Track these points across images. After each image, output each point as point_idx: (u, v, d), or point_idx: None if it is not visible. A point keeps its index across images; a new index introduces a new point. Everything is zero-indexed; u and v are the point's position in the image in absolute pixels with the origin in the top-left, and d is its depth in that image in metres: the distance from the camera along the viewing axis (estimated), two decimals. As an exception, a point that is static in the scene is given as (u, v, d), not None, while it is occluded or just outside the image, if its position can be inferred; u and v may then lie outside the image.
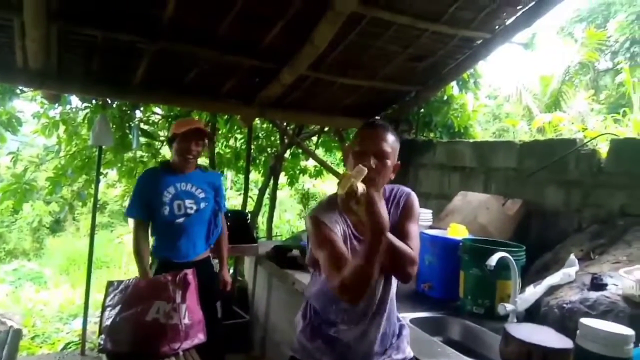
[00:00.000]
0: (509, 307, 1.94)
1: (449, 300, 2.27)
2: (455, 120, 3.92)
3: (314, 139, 5.29)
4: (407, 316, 2.01)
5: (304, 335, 1.61)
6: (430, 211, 2.83)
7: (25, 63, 2.70)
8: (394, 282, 1.59)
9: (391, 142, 1.49)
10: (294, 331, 1.66)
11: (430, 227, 2.71)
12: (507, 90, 11.70)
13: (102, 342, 1.92)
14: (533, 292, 1.99)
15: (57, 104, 4.24)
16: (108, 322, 1.94)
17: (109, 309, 1.97)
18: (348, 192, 1.29)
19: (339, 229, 1.48)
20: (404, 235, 1.50)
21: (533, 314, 1.95)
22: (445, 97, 3.99)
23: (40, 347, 4.68)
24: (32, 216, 10.07)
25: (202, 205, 2.52)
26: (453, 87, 3.97)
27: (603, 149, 2.35)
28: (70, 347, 4.26)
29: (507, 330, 1.64)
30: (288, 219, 9.12)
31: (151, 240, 2.57)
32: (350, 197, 1.30)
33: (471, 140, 3.45)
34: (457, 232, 2.39)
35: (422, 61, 3.16)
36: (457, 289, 2.24)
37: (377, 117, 1.41)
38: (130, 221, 2.58)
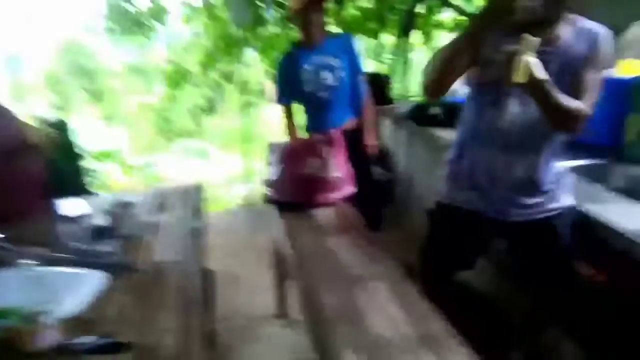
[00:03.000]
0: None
1: (613, 147, 2.05)
2: None
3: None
4: (564, 165, 1.89)
5: (450, 178, 1.63)
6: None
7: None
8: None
9: None
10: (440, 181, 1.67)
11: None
12: None
13: (269, 193, 2.22)
14: None
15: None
16: (273, 177, 2.21)
17: (271, 165, 2.24)
18: (529, 76, 1.20)
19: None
20: (580, 86, 1.36)
21: None
22: None
23: (215, 207, 5.58)
24: (188, 101, 11.29)
25: (341, 74, 2.52)
26: None
27: None
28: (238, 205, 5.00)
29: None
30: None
31: (303, 118, 2.72)
32: (530, 83, 1.22)
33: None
34: (630, 69, 2.06)
35: None
36: (621, 135, 2.00)
37: None
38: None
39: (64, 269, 1.33)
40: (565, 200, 1.54)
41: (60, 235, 1.62)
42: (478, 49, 1.39)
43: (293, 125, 2.71)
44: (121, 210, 1.65)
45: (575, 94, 1.35)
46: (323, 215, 2.12)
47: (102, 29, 4.69)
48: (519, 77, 1.21)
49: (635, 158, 1.93)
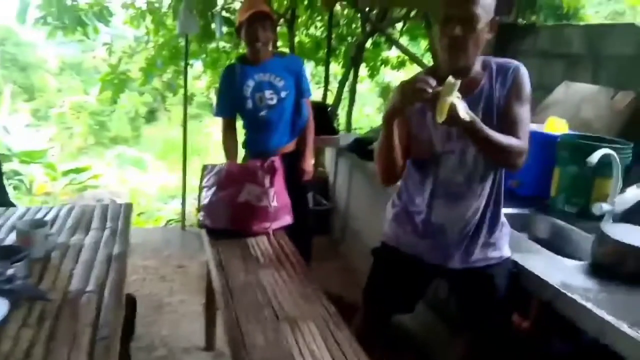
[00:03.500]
0: (605, 206, 1.81)
1: (538, 198, 2.17)
2: (564, 0, 3.42)
3: (398, 26, 4.95)
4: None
5: (395, 221, 1.62)
6: (527, 104, 2.62)
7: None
8: (500, 170, 1.51)
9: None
10: (384, 220, 1.68)
11: (525, 122, 2.52)
12: (630, -35, 9.89)
13: (201, 218, 2.13)
14: (636, 193, 1.85)
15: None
16: (205, 201, 2.12)
17: (205, 189, 2.15)
18: (450, 117, 1.21)
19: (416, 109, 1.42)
20: (511, 119, 1.38)
21: (632, 217, 1.81)
22: (553, -25, 3.47)
23: (146, 223, 5.33)
24: (128, 106, 10.84)
25: (283, 94, 2.48)
26: (566, -40, 3.42)
27: None
28: (171, 223, 4.81)
29: (602, 229, 1.56)
30: (367, 113, 9.00)
31: (242, 134, 2.66)
32: (453, 122, 1.23)
33: (582, 24, 3.03)
34: (556, 127, 2.21)
35: None
36: (548, 186, 2.12)
37: None
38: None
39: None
40: (505, 250, 1.59)
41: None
42: (405, 124, 1.45)
43: (232, 140, 2.62)
44: (34, 228, 1.51)
45: (507, 130, 1.37)
46: (257, 244, 2.06)
47: (36, 21, 4.37)
48: (442, 117, 1.24)
49: (558, 209, 2.06)
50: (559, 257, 1.66)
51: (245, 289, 1.69)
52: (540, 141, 2.19)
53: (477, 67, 1.43)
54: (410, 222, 1.58)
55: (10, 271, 1.31)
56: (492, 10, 1.32)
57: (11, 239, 1.57)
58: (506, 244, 1.59)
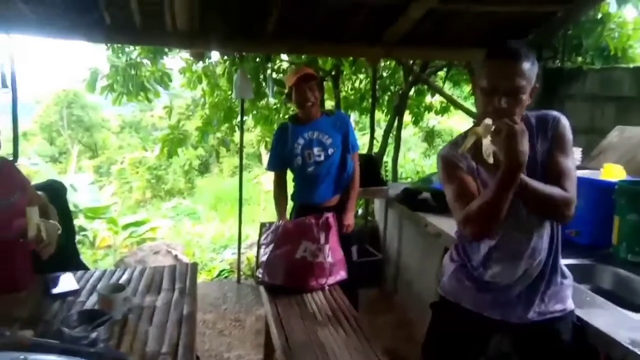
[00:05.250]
0: (673, 256, 1.75)
1: (598, 247, 2.10)
2: (610, 42, 3.40)
3: (441, 73, 5.05)
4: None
5: (455, 277, 1.62)
6: (580, 149, 2.59)
7: (174, 27, 2.98)
8: (554, 223, 1.49)
9: (526, 70, 1.28)
10: (442, 274, 1.68)
11: (579, 168, 2.49)
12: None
13: (259, 276, 2.21)
14: None
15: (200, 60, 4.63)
16: (264, 258, 2.21)
17: (263, 246, 2.24)
18: (473, 151, 1.23)
19: (465, 164, 1.43)
20: (556, 172, 1.37)
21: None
22: (599, 16, 3.46)
23: (200, 274, 5.48)
24: (184, 160, 11.42)
25: (330, 151, 2.61)
26: (609, 3, 3.42)
27: None
28: (223, 274, 4.93)
29: (671, 282, 1.51)
30: (412, 158, 9.03)
31: (292, 186, 2.78)
32: (476, 156, 1.24)
33: (631, 65, 3.00)
34: (613, 173, 2.17)
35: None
36: (608, 235, 2.06)
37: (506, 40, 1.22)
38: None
39: (51, 357, 1.30)
40: (569, 303, 1.55)
41: (48, 316, 1.59)
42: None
43: (283, 193, 2.78)
44: (114, 292, 1.63)
45: (553, 183, 1.35)
46: (314, 300, 2.11)
47: (103, 89, 4.81)
48: (465, 149, 1.26)
49: (621, 259, 1.99)
50: (626, 311, 1.60)
51: (305, 347, 1.73)
52: (598, 188, 2.16)
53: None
54: (470, 277, 1.57)
55: (93, 334, 1.42)
56: (534, 79, 1.33)
57: (91, 302, 1.70)
58: (569, 297, 1.55)
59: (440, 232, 2.51)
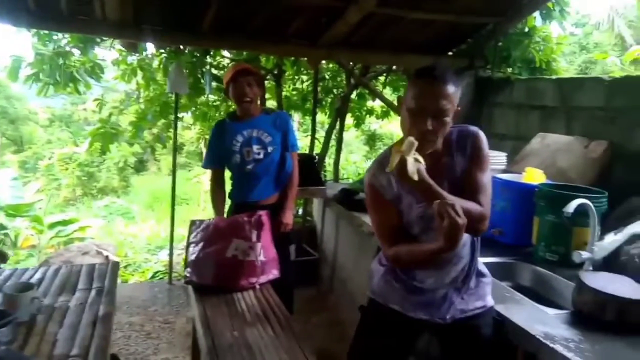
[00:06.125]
0: (585, 254, 1.87)
1: (520, 246, 2.22)
2: (536, 55, 3.61)
3: (381, 78, 5.15)
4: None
5: (384, 279, 1.64)
6: (505, 154, 2.72)
7: (103, 15, 2.82)
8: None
9: (451, 93, 1.34)
10: (371, 277, 1.69)
11: (504, 171, 2.61)
12: (598, 17, 10.49)
13: (188, 275, 2.13)
14: (613, 240, 1.90)
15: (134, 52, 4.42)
16: (192, 257, 2.13)
17: (192, 245, 2.16)
18: (398, 169, 1.25)
19: (390, 193, 1.46)
20: (473, 187, 1.42)
21: (611, 264, 1.86)
22: (526, 29, 3.67)
23: (132, 275, 5.24)
24: (118, 157, 10.91)
25: (270, 149, 2.57)
26: (536, 18, 3.64)
27: None
28: (158, 276, 4.74)
29: (581, 278, 1.60)
30: (354, 160, 9.16)
31: (229, 184, 2.72)
32: (401, 174, 1.26)
33: (554, 77, 3.19)
34: (534, 177, 2.29)
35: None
36: (529, 235, 2.18)
37: (434, 63, 1.26)
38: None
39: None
40: (488, 299, 1.61)
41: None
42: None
43: (220, 191, 2.70)
44: (20, 291, 1.50)
45: (469, 197, 1.39)
46: (244, 299, 2.06)
47: (27, 78, 4.47)
48: (391, 168, 1.27)
49: (539, 258, 2.10)
50: (542, 307, 1.68)
51: (232, 348, 1.68)
52: (520, 191, 2.28)
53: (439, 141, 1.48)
54: (398, 279, 1.60)
55: (-5, 337, 1.30)
56: (457, 102, 1.38)
57: (-4, 302, 1.56)
58: (489, 294, 1.62)
59: (374, 232, 2.53)
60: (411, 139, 1.27)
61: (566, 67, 4.70)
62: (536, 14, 3.56)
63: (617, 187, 2.24)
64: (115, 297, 1.66)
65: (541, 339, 1.42)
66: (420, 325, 1.61)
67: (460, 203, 1.32)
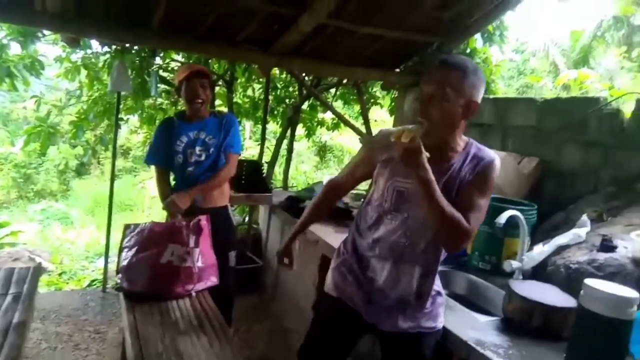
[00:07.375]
0: (515, 264, 1.95)
1: (457, 255, 2.26)
2: (477, 75, 3.79)
3: (332, 91, 5.21)
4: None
5: (337, 270, 1.63)
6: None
7: (43, 6, 2.68)
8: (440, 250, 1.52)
9: (455, 80, 1.34)
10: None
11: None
12: (535, 45, 11.21)
13: (119, 281, 2.03)
14: (541, 251, 2.00)
15: (78, 48, 4.23)
16: (125, 263, 2.03)
17: (126, 250, 2.06)
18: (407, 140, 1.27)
19: (386, 152, 1.48)
20: (466, 204, 1.38)
21: (539, 273, 1.96)
22: (468, 50, 3.84)
23: (67, 283, 4.96)
24: (58, 159, 10.35)
25: (212, 150, 2.51)
26: (477, 40, 3.82)
27: (628, 108, 2.26)
28: (94, 284, 4.51)
29: (511, 286, 1.66)
30: (304, 170, 9.18)
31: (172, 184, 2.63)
32: (410, 143, 1.28)
33: (491, 97, 3.35)
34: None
35: (448, 9, 3.02)
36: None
37: (450, 54, 1.30)
38: (153, 168, 2.62)
39: None
40: (439, 321, 1.58)
41: None
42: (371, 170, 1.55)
43: (167, 186, 2.57)
44: None
45: (461, 212, 1.36)
46: (178, 307, 1.98)
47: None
48: (395, 136, 1.29)
49: (473, 266, 2.17)
50: (474, 314, 1.73)
51: (160, 358, 1.61)
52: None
53: (458, 144, 1.47)
54: (352, 271, 1.58)
55: None
56: (468, 93, 1.37)
57: None
58: (441, 315, 1.59)
59: (318, 239, 2.53)
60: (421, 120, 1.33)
61: (505, 90, 4.95)
62: (477, 36, 3.74)
63: (547, 201, 2.37)
64: (34, 304, 1.55)
65: (472, 345, 1.47)
66: (366, 327, 1.59)
67: (448, 209, 1.33)
